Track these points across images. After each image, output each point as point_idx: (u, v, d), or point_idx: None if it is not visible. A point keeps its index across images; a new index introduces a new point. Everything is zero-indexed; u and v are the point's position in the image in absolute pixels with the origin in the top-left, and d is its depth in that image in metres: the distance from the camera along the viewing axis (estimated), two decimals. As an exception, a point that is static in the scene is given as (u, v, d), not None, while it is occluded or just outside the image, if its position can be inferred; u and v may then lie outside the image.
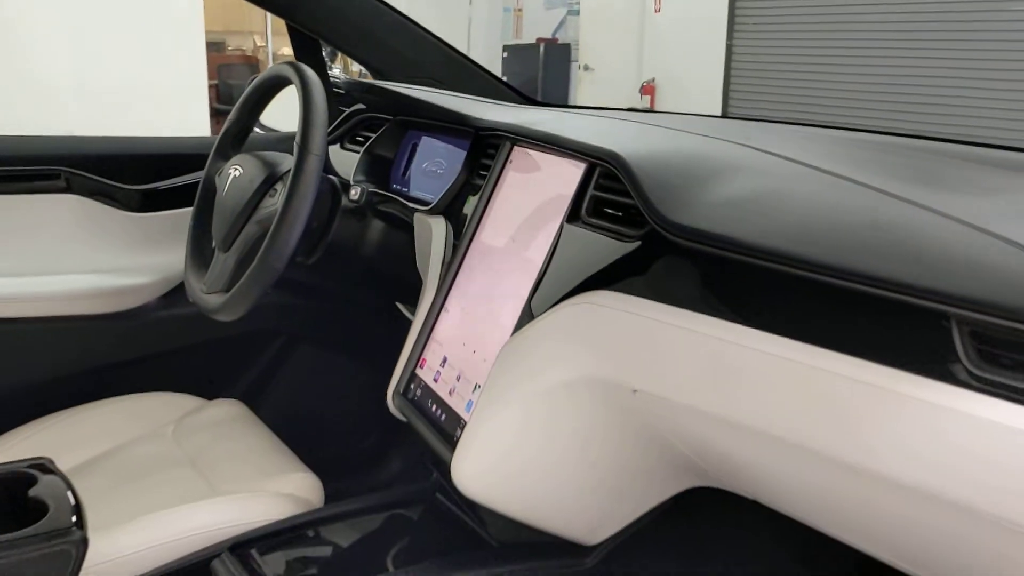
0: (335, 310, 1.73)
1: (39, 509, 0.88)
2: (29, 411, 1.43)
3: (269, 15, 9.62)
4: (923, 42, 5.84)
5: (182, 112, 5.16)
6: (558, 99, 7.94)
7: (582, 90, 8.77)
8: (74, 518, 0.87)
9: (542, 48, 9.13)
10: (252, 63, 9.86)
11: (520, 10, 9.85)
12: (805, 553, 1.11)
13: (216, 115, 7.90)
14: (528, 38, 9.53)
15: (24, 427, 1.39)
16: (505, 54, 9.20)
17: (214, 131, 5.61)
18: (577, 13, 9.02)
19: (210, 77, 6.35)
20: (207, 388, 1.53)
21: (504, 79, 1.78)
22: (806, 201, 0.82)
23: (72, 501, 0.90)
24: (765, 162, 0.93)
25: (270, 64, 9.82)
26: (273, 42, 9.80)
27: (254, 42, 10.41)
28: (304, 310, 1.72)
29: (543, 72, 9.06)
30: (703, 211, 0.84)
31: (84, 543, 0.86)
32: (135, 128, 1.91)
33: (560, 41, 9.35)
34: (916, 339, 0.68)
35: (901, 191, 0.80)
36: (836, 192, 0.83)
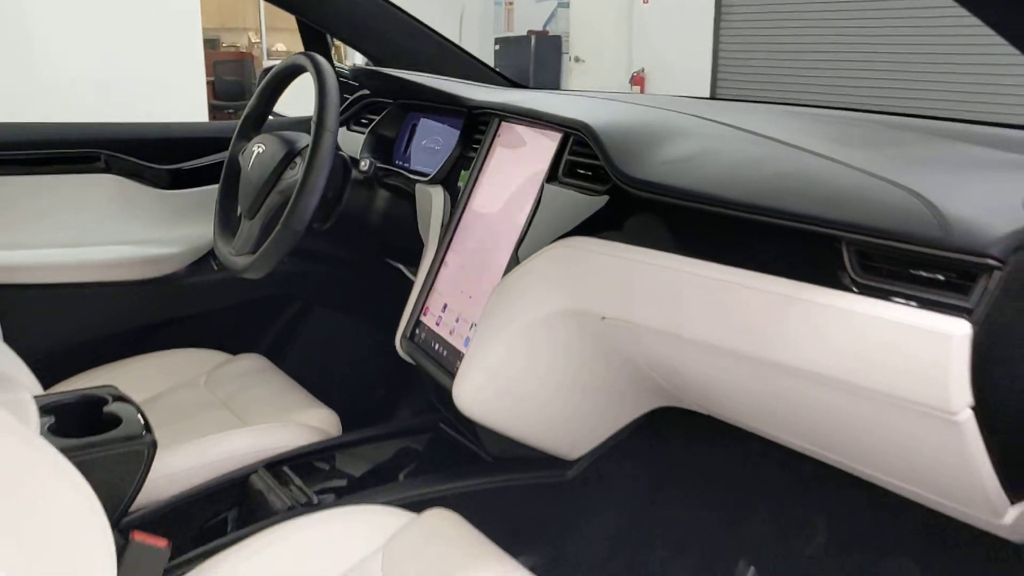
0: (345, 276, 1.92)
1: (114, 422, 1.06)
2: (72, 368, 1.61)
3: (263, 12, 9.78)
4: (904, 27, 6.04)
5: (181, 108, 5.31)
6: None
7: (573, 81, 8.94)
8: (143, 426, 1.06)
9: (533, 40, 9.29)
10: (247, 59, 9.96)
11: (511, 3, 10.01)
12: (748, 458, 1.29)
13: (213, 111, 8.05)
14: (519, 31, 9.69)
15: (72, 379, 1.58)
16: (497, 47, 9.36)
17: (214, 125, 5.73)
18: (567, 5, 9.18)
19: (206, 74, 6.50)
20: (232, 345, 1.72)
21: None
22: (735, 157, 1.01)
23: (140, 417, 1.08)
24: (707, 128, 1.12)
25: (265, 60, 9.99)
26: (267, 38, 9.97)
27: (249, 38, 10.57)
28: (317, 277, 1.90)
29: (534, 64, 9.22)
30: (654, 167, 1.03)
31: (154, 445, 1.04)
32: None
33: (551, 33, 9.51)
34: (816, 258, 0.87)
35: (818, 149, 0.99)
36: (761, 149, 1.02)
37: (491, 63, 1.96)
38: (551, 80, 9.18)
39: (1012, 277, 0.76)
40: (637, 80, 8.42)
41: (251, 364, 1.65)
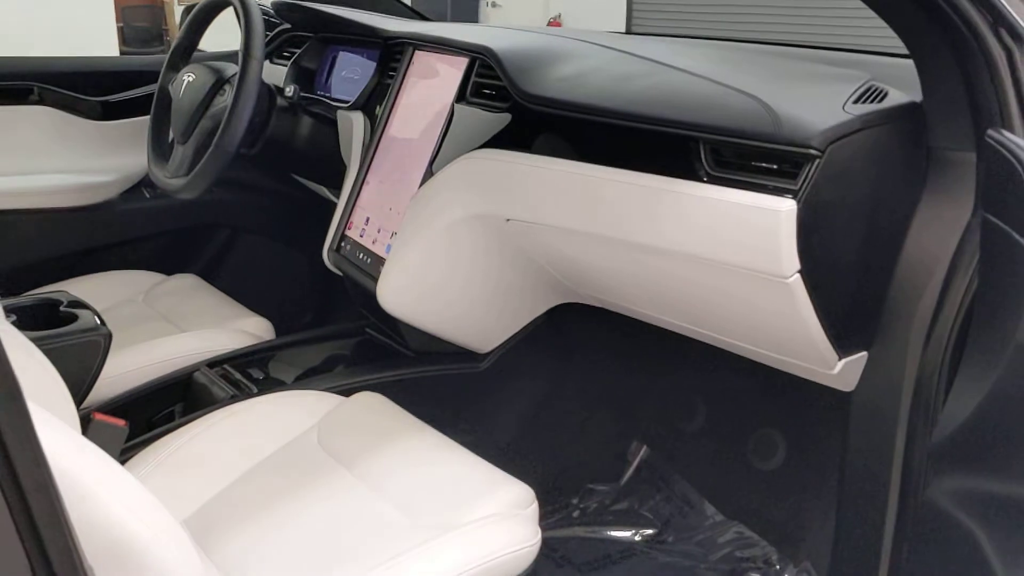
0: (269, 203, 2.04)
1: (71, 318, 1.19)
2: (14, 290, 1.70)
3: (172, -45, 9.51)
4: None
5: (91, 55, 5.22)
6: (466, 35, 8.08)
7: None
8: (98, 321, 1.18)
9: (450, -15, 9.27)
10: (156, 5, 9.69)
11: (427, -53, 9.95)
12: (636, 346, 1.48)
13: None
14: (436, -25, 9.65)
15: (11, 300, 1.67)
16: (413, -9, 9.32)
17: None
18: (484, -51, 9.17)
19: (115, 20, 6.37)
20: (166, 268, 1.83)
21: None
22: (615, 74, 1.17)
23: (95, 317, 1.21)
24: (596, 51, 1.28)
25: (176, 6, 9.74)
26: (176, -18, 9.70)
27: (157, -17, 10.27)
28: (243, 204, 2.02)
29: (451, 8, 9.21)
30: (547, 84, 1.19)
31: (109, 337, 1.17)
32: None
33: (467, -22, 9.49)
34: (677, 156, 1.04)
35: (687, 67, 1.15)
36: (639, 67, 1.18)
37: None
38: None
39: (829, 164, 0.94)
40: (553, 25, 8.52)
41: (186, 283, 1.76)
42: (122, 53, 6.85)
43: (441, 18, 1.96)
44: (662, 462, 1.57)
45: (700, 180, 1.02)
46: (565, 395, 1.55)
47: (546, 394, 1.53)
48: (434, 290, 1.36)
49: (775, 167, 0.97)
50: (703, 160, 1.02)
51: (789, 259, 0.96)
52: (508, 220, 1.26)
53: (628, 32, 7.68)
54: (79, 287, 1.71)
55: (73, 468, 0.62)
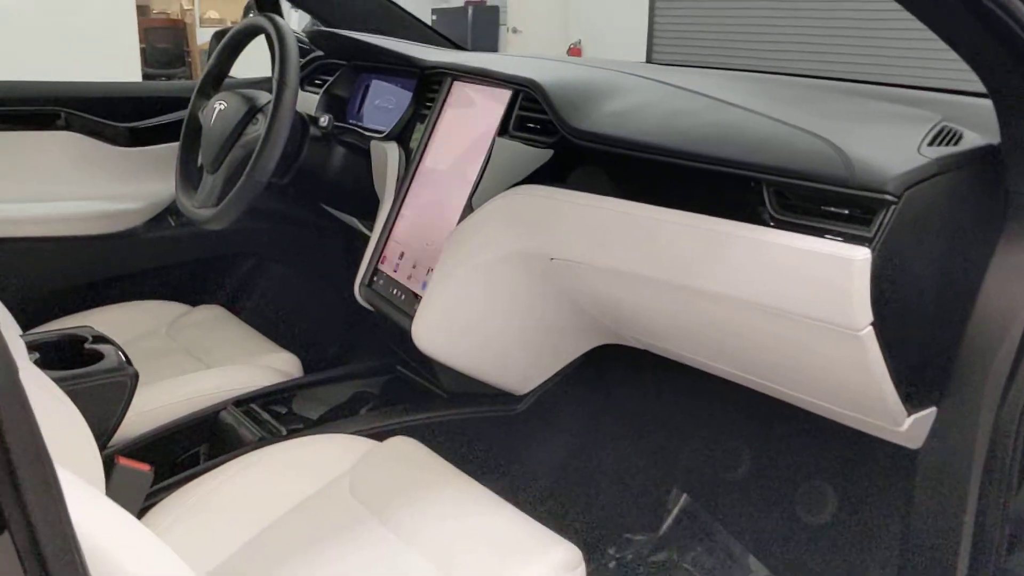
0: (298, 233, 1.99)
1: (96, 357, 1.14)
2: (35, 320, 1.66)
3: (194, -23, 9.58)
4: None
5: (114, 76, 5.22)
6: (487, 61, 8.09)
7: (511, 52, 8.98)
8: (125, 361, 1.13)
9: (470, 11, 9.30)
10: (179, 26, 9.77)
11: (448, -27, 9.99)
12: (681, 390, 1.42)
13: (146, 80, 7.90)
14: (456, 1, 9.69)
15: (31, 332, 1.63)
16: (434, 17, 9.34)
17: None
18: (505, -24, 9.21)
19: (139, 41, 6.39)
20: (191, 298, 1.79)
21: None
22: (669, 109, 1.12)
23: (120, 355, 1.16)
24: (645, 85, 1.23)
25: (197, 27, 9.81)
26: (200, 5, 9.78)
27: (181, 5, 10.36)
28: (271, 233, 1.97)
29: (472, 34, 9.24)
30: (596, 119, 1.14)
31: (135, 377, 1.12)
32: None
33: (488, 3, 9.54)
34: (739, 198, 0.99)
35: (743, 103, 1.10)
36: (693, 103, 1.13)
37: None
38: (489, 51, 9.19)
39: (906, 211, 0.88)
40: (574, 52, 8.51)
41: (211, 314, 1.72)
42: (145, 74, 6.88)
43: (461, 43, 1.92)
44: (703, 512, 1.51)
45: (764, 224, 0.97)
46: (603, 439, 1.49)
47: (583, 438, 1.47)
48: (471, 329, 1.30)
49: (846, 212, 0.92)
50: (767, 203, 0.97)
51: (862, 311, 0.90)
52: (552, 259, 1.20)
53: (649, 61, 7.67)
54: (102, 317, 1.67)
55: (93, 531, 0.57)
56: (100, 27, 5.27)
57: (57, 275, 1.77)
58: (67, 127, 1.78)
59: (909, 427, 1.00)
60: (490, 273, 1.26)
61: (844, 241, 0.90)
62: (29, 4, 4.96)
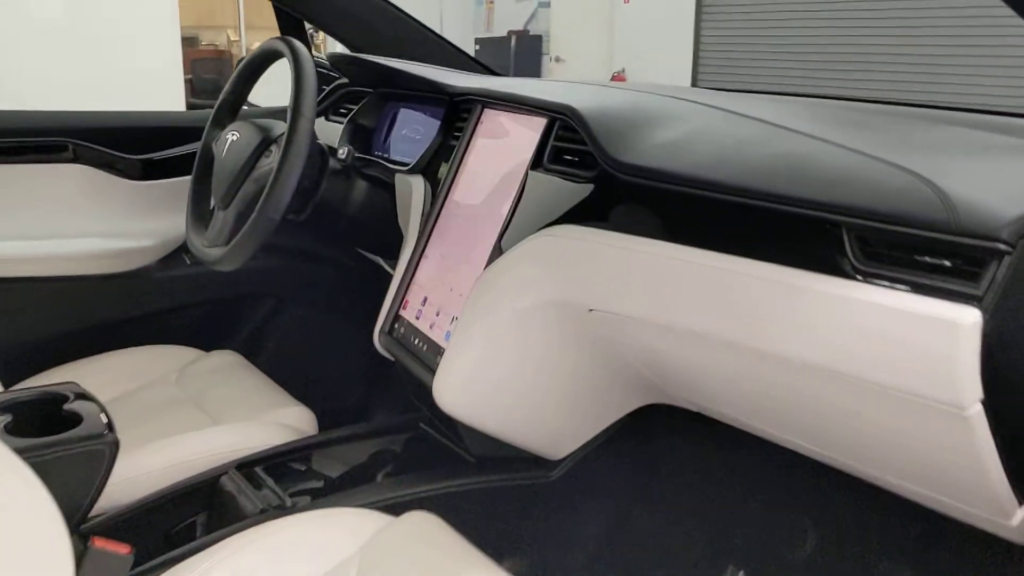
0: (320, 272, 1.86)
1: (74, 420, 1.01)
2: (41, 363, 1.55)
3: (242, 9, 9.69)
4: (884, 23, 6.05)
5: (159, 106, 5.20)
6: (530, 89, 8.04)
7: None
8: (106, 425, 1.00)
9: (513, 40, 9.26)
10: (225, 58, 9.87)
11: (492, 3, 9.97)
12: (744, 461, 1.25)
13: (192, 110, 7.94)
14: (499, 31, 9.66)
15: (37, 376, 1.51)
16: (477, 47, 9.32)
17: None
18: (548, 5, 9.15)
19: (185, 72, 6.41)
20: (205, 342, 1.66)
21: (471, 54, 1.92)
22: (726, 139, 0.97)
23: (103, 416, 1.03)
24: (697, 111, 1.08)
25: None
26: (246, 36, 9.86)
27: (227, 36, 10.46)
28: (292, 272, 1.85)
29: (515, 64, 9.19)
30: (643, 151, 0.99)
31: (116, 445, 0.99)
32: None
33: (531, 33, 9.49)
34: (814, 244, 0.83)
35: (812, 131, 0.95)
36: (753, 131, 0.97)
37: None
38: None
39: (1022, 262, 0.72)
40: (618, 79, 8.40)
41: (224, 361, 1.59)
42: (190, 104, 6.90)
43: (505, 74, 1.80)
44: (763, 593, 1.33)
45: (845, 276, 0.80)
46: (648, 510, 1.32)
47: (627, 509, 1.31)
48: (500, 388, 1.15)
49: (947, 264, 0.75)
50: (848, 251, 0.81)
51: (970, 386, 0.73)
52: (592, 310, 1.05)
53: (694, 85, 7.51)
54: (108, 363, 1.56)
55: None
56: (146, 59, 5.28)
57: (62, 318, 1.66)
58: (75, 159, 1.67)
59: (1022, 521, 0.83)
60: (520, 324, 1.11)
61: (946, 299, 0.74)
62: (73, 34, 4.98)
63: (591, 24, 8.50)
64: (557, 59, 8.97)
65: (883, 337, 0.78)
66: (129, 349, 1.61)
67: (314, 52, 2.11)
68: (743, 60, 7.28)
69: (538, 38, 9.32)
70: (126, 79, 5.07)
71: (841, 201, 0.80)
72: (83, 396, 1.06)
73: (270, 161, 1.36)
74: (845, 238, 0.81)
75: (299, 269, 1.85)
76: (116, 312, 1.70)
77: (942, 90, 5.67)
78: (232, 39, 10.33)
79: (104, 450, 0.97)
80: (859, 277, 0.80)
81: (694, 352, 0.98)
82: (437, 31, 1.88)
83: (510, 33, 9.40)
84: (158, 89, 5.34)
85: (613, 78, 8.40)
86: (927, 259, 0.77)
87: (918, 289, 0.76)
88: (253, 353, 1.70)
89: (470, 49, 9.24)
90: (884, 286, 0.78)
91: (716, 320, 0.91)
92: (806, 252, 0.84)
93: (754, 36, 7.13)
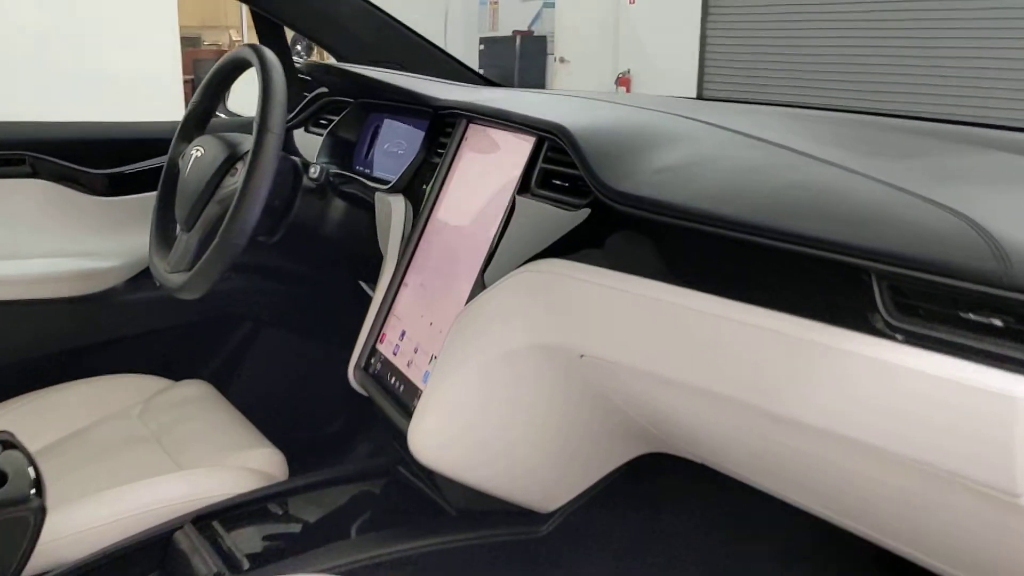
0: (300, 293, 1.75)
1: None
2: None
3: (244, 9, 9.59)
4: (894, 28, 5.90)
5: (157, 107, 5.10)
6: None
7: (558, 82, 8.80)
8: (33, 488, 0.89)
9: (518, 40, 9.15)
10: (226, 57, 9.73)
11: (496, 3, 9.85)
12: (754, 517, 1.13)
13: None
14: (504, 30, 9.53)
15: None
16: (482, 46, 9.20)
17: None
18: (552, 5, 9.03)
19: (186, 72, 6.30)
20: (174, 370, 1.55)
21: (472, 67, 1.81)
22: (736, 166, 0.85)
23: (31, 472, 0.91)
24: (703, 132, 0.96)
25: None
26: (248, 36, 9.76)
27: (230, 36, 10.36)
28: (269, 294, 1.73)
29: (519, 64, 9.07)
30: (642, 178, 0.87)
31: (42, 511, 0.87)
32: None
33: (536, 33, 9.37)
34: (838, 293, 0.71)
35: (832, 156, 0.83)
36: (767, 157, 0.86)
37: (476, 63, 1.80)
38: (536, 81, 9.03)
39: None
40: (623, 81, 8.28)
41: (193, 392, 1.48)
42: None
43: (509, 74, 1.68)
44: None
45: (876, 334, 0.69)
46: (649, 567, 1.20)
47: (624, 566, 1.19)
48: (482, 437, 1.04)
49: (997, 323, 0.63)
50: (879, 303, 0.69)
51: (1025, 470, 0.61)
52: (582, 356, 0.93)
53: (700, 94, 7.39)
54: (68, 394, 1.45)
55: None
56: (142, 61, 5.18)
57: (20, 345, 1.54)
58: (34, 174, 1.56)
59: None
60: (504, 369, 1.00)
61: (998, 366, 0.62)
62: (71, 42, 4.87)
63: (596, 25, 8.38)
64: (562, 60, 8.85)
65: (921, 408, 0.66)
66: (92, 378, 1.50)
67: (300, 58, 2.00)
68: (751, 62, 7.14)
69: (543, 39, 9.20)
70: (122, 78, 4.96)
71: (871, 244, 0.68)
72: (11, 445, 0.95)
73: (235, 180, 1.24)
74: (875, 287, 0.69)
75: (278, 290, 1.74)
76: (79, 338, 1.59)
77: (966, 103, 5.49)
78: (235, 39, 10.23)
79: (28, 517, 0.86)
80: (891, 335, 0.68)
81: (700, 410, 0.86)
82: (442, 30, 1.77)
83: (515, 33, 9.28)
84: (156, 89, 5.23)
85: (618, 80, 8.27)
86: (973, 316, 0.65)
87: (963, 352, 0.64)
88: (225, 382, 1.58)
89: (475, 48, 9.13)
90: (922, 346, 0.66)
91: (721, 377, 0.79)
92: (828, 302, 0.72)
93: (762, 38, 6.99)
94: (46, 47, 4.77)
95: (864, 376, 0.68)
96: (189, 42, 8.53)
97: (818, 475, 0.81)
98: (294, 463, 1.31)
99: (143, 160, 1.66)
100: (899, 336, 0.67)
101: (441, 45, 1.78)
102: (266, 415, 1.43)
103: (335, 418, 1.72)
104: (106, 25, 5.02)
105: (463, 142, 1.23)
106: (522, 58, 9.12)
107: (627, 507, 1.15)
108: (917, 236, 0.67)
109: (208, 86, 1.40)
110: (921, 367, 0.65)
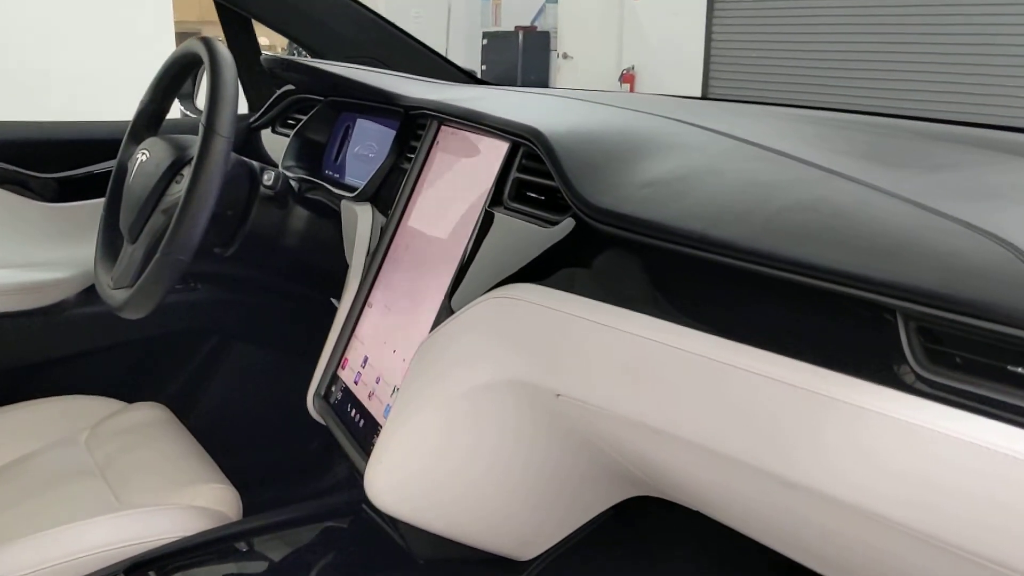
0: (269, 306, 1.63)
1: None
2: None
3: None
4: (902, 25, 5.76)
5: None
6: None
7: (561, 78, 8.69)
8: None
9: (521, 36, 9.04)
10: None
11: (499, -3, 9.74)
12: (741, 562, 1.02)
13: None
14: (507, 26, 9.42)
15: None
16: (484, 41, 9.09)
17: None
18: (556, 1, 8.93)
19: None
20: (128, 391, 1.43)
21: (475, 63, 1.68)
22: (736, 180, 0.72)
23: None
24: (700, 139, 0.83)
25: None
26: (248, 32, 9.64)
27: (229, 32, 10.26)
28: (236, 306, 1.62)
29: (522, 60, 8.97)
30: (625, 192, 0.75)
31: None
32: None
33: (539, 29, 9.26)
34: (856, 336, 0.59)
35: (847, 168, 0.71)
36: (773, 170, 0.73)
37: (478, 58, 1.68)
38: (539, 77, 8.92)
39: None
40: (627, 78, 8.16)
41: (146, 416, 1.36)
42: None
43: (512, 69, 1.56)
44: None
45: (902, 388, 0.56)
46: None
47: (613, 617, 1.07)
48: (448, 481, 0.92)
49: (1056, 380, 0.51)
50: (907, 350, 0.56)
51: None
52: (559, 396, 0.81)
53: (705, 92, 7.25)
54: (10, 418, 1.34)
55: None
56: (136, 57, 5.06)
57: (-40, 364, 1.43)
58: None
59: None
60: (472, 406, 0.88)
61: (1058, 436, 0.50)
62: (61, 37, 4.76)
63: (600, 20, 8.26)
64: (565, 55, 8.73)
65: (956, 478, 0.54)
66: (39, 401, 1.38)
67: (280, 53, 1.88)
68: (757, 59, 7.01)
69: (545, 34, 9.10)
70: (114, 73, 4.84)
71: (895, 279, 0.56)
72: None
73: (181, 188, 1.13)
74: (902, 330, 0.57)
75: (247, 303, 1.61)
76: (25, 356, 1.47)
77: (983, 101, 5.33)
78: (234, 34, 10.13)
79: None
80: (921, 388, 0.56)
81: (693, 463, 0.74)
82: (445, 25, 1.65)
83: (518, 28, 9.17)
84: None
85: (622, 76, 8.15)
86: (1021, 370, 0.53)
87: (1011, 413, 0.52)
88: (184, 404, 1.46)
89: (477, 43, 9.00)
90: (957, 404, 0.54)
91: (718, 430, 0.67)
92: (848, 347, 0.60)
93: (768, 34, 6.86)
94: (29, 43, 4.66)
95: (888, 439, 0.56)
96: (186, 38, 8.42)
97: (830, 541, 0.69)
98: (251, 494, 1.19)
99: (97, 163, 1.54)
100: (931, 389, 0.55)
101: (444, 40, 1.67)
102: (224, 441, 1.32)
103: (300, 445, 1.60)
104: (98, 20, 4.91)
105: (434, 146, 1.11)
106: (525, 54, 9.01)
107: (613, 554, 1.03)
108: (953, 269, 0.55)
109: (158, 83, 1.28)
110: (956, 432, 0.53)
